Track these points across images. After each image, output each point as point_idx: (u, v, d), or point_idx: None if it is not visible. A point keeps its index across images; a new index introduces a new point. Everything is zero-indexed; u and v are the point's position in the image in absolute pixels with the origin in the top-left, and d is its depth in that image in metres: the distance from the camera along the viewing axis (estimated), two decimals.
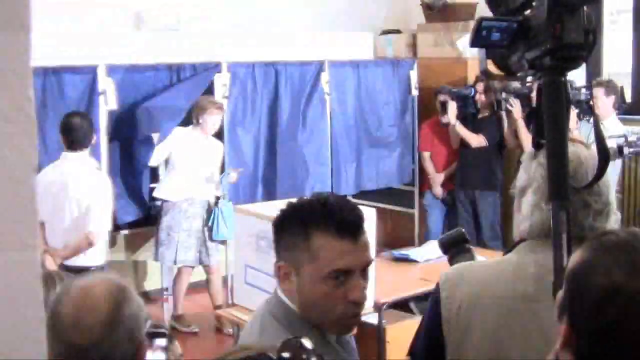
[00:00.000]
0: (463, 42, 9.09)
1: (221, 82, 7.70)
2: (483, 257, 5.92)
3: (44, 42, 7.40)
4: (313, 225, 2.18)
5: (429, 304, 2.38)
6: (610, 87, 7.50)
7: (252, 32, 8.83)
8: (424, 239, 8.94)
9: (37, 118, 0.95)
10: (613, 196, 2.24)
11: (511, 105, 7.63)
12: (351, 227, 2.19)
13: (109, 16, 8.02)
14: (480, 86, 8.24)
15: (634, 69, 8.73)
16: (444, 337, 2.29)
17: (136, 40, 8.04)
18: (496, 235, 8.31)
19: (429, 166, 8.96)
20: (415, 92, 9.28)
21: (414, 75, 9.24)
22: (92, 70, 6.93)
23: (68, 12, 7.67)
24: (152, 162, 7.27)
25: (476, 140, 8.15)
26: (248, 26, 8.90)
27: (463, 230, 2.67)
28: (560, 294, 1.61)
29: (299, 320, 2.22)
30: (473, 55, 9.07)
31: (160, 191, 7.25)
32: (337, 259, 2.16)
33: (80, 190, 5.71)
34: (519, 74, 1.97)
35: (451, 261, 2.57)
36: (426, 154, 9.01)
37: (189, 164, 7.18)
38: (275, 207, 5.07)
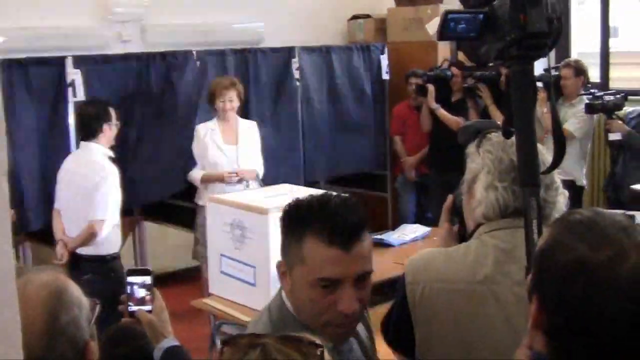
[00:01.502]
0: (432, 26, 9.11)
1: (192, 71, 7.66)
2: None
3: (10, 34, 7.37)
4: (307, 227, 2.10)
5: (397, 287, 2.42)
6: (578, 67, 7.56)
7: (221, 20, 8.82)
8: (397, 222, 8.99)
9: (4, 111, 0.94)
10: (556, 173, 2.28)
11: (480, 91, 7.67)
12: (344, 234, 2.07)
13: (76, 7, 7.96)
14: (455, 69, 8.25)
15: (602, 49, 8.79)
16: (412, 319, 2.34)
17: (104, 31, 8.01)
18: None
19: (401, 150, 8.99)
20: (386, 77, 9.30)
21: (384, 59, 9.25)
22: (59, 62, 6.88)
23: (34, 4, 7.62)
24: (193, 175, 7.05)
25: (457, 124, 8.16)
26: (216, 14, 8.88)
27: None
28: (530, 276, 1.65)
29: (294, 322, 2.16)
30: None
31: (199, 199, 7.03)
32: (325, 267, 2.08)
33: (86, 179, 5.75)
34: (489, 65, 2.00)
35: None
36: (397, 138, 9.03)
37: (219, 163, 6.96)
38: (248, 195, 5.13)
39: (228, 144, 6.95)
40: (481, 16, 1.90)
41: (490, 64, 2.02)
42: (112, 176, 5.78)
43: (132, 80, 7.40)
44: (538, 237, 1.70)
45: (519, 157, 1.86)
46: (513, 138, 2.06)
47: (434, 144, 8.56)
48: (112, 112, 6.02)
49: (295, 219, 2.15)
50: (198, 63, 7.68)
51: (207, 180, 6.81)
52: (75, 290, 2.01)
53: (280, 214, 4.40)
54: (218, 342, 4.90)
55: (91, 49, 7.65)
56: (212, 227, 5.05)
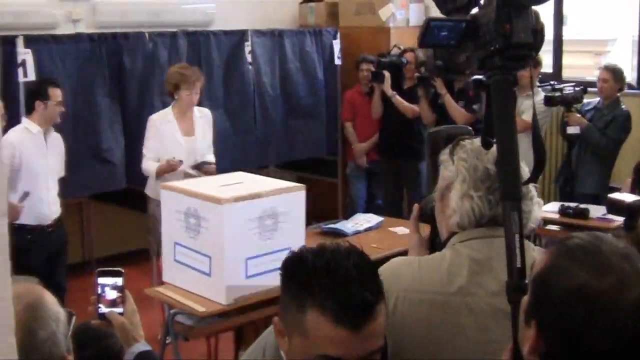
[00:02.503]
0: (385, 11, 9.10)
1: (144, 53, 7.57)
2: (407, 230, 6.01)
3: None
4: (310, 296, 1.81)
5: None
6: (537, 59, 7.54)
7: (174, 1, 8.72)
8: (347, 208, 9.00)
9: None
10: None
11: (434, 81, 7.67)
12: (355, 315, 1.79)
13: None
14: (410, 56, 8.23)
15: (555, 37, 8.84)
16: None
17: (54, 10, 7.87)
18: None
19: (352, 136, 8.97)
20: (338, 62, 9.27)
21: (337, 44, 9.23)
22: (10, 41, 6.75)
23: None
24: (149, 167, 6.67)
25: (412, 111, 8.16)
26: None
27: None
28: (526, 298, 1.63)
29: None
30: (395, 25, 9.11)
31: (149, 190, 6.83)
32: (330, 346, 1.80)
33: None
34: (466, 72, 1.97)
35: None
36: (348, 124, 9.02)
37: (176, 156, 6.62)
38: (203, 183, 5.07)
39: (186, 136, 6.70)
40: (463, 24, 1.88)
41: (468, 72, 1.99)
42: (6, 148, 5.75)
43: (83, 61, 7.29)
44: (520, 252, 1.68)
45: (501, 170, 1.83)
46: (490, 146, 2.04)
47: (384, 131, 8.56)
48: (53, 91, 6.09)
49: (297, 283, 1.87)
50: (150, 45, 7.59)
51: (162, 172, 6.56)
52: (51, 302, 1.92)
53: (235, 204, 4.42)
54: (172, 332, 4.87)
55: (41, 28, 7.52)
56: (166, 214, 4.98)
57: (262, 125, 8.61)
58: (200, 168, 6.56)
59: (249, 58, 8.40)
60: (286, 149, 8.96)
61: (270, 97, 8.69)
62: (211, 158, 6.81)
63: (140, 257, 7.90)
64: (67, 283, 6.54)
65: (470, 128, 2.49)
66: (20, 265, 5.34)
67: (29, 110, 6.11)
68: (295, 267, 1.88)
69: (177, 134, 6.65)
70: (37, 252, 6.07)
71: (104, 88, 7.42)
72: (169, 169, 6.45)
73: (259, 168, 8.25)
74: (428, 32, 1.88)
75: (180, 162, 6.46)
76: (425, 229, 2.62)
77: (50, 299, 1.92)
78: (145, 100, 7.60)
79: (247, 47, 8.38)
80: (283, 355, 1.98)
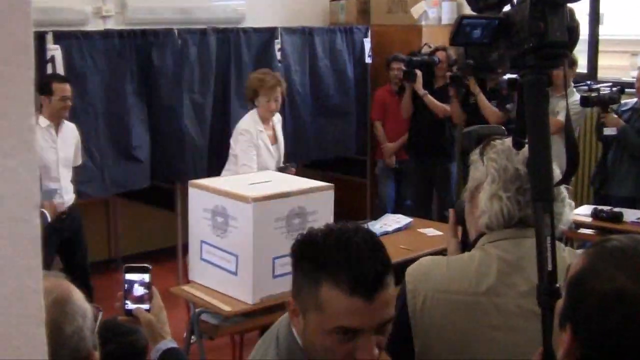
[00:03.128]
0: (417, 9, 9.09)
1: (173, 50, 7.60)
2: (438, 232, 5.99)
3: None
4: (324, 272, 1.90)
5: (399, 294, 2.39)
6: (572, 58, 7.44)
7: None
8: (376, 208, 8.99)
9: None
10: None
11: (467, 80, 7.64)
12: (368, 285, 1.87)
13: None
14: (442, 55, 8.21)
15: (590, 36, 8.75)
16: (411, 329, 2.31)
17: (84, 6, 7.93)
18: (451, 205, 8.29)
19: (381, 135, 8.95)
20: (368, 60, 9.27)
21: (367, 42, 9.22)
22: (39, 37, 6.80)
23: None
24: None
25: (443, 111, 8.14)
26: None
27: None
28: (560, 302, 1.61)
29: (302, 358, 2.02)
30: (427, 23, 9.09)
31: None
32: (346, 317, 1.89)
33: None
34: (499, 71, 1.96)
35: None
36: (378, 123, 9.00)
37: (269, 166, 6.60)
38: (231, 182, 5.09)
39: (272, 144, 6.71)
40: (496, 22, 1.87)
41: (500, 71, 1.97)
42: None
43: (113, 57, 7.33)
44: (552, 255, 1.67)
45: (532, 170, 1.81)
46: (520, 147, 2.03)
47: (414, 130, 8.54)
48: (57, 86, 6.24)
49: (310, 260, 1.95)
50: (179, 42, 7.61)
51: None
52: (79, 297, 1.92)
53: (263, 203, 4.43)
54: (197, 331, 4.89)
55: (71, 24, 7.56)
56: (193, 212, 5.00)
57: (291, 123, 8.60)
58: (283, 172, 6.47)
59: (278, 56, 8.41)
60: (315, 148, 8.96)
61: (299, 96, 8.70)
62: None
63: (166, 255, 7.94)
64: (93, 281, 6.60)
65: (503, 128, 2.47)
66: None
67: (39, 107, 6.25)
68: (307, 246, 1.96)
69: (268, 143, 6.62)
70: (52, 238, 6.24)
71: (132, 85, 7.46)
72: None
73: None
74: (460, 30, 1.87)
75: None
76: (459, 232, 2.61)
77: (77, 295, 1.93)
78: (173, 98, 7.62)
79: (277, 45, 8.39)
80: (297, 336, 2.03)
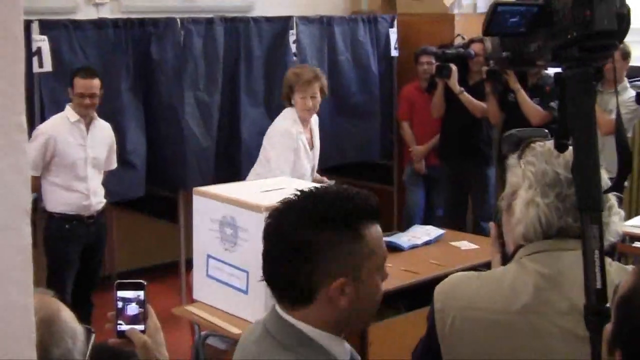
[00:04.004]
0: None
1: (174, 42, 7.63)
2: (473, 245, 5.98)
3: None
4: (358, 220, 2.18)
5: (429, 312, 2.40)
6: (625, 48, 7.40)
7: None
8: (404, 219, 8.98)
9: None
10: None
11: (507, 75, 7.61)
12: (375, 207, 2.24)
13: None
14: (478, 47, 8.19)
15: None
16: (441, 351, 2.32)
17: None
18: (489, 216, 8.25)
19: (409, 137, 8.96)
20: (394, 53, 9.28)
21: (393, 33, 9.23)
22: (23, 27, 6.82)
23: None
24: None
25: (482, 110, 8.11)
26: None
27: None
28: (609, 326, 1.61)
29: (310, 345, 2.19)
30: (460, 12, 9.08)
31: None
32: (383, 244, 2.24)
33: None
34: (538, 64, 1.96)
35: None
36: (405, 124, 9.00)
37: (305, 173, 6.62)
38: (241, 189, 5.10)
39: (310, 149, 6.66)
40: (535, 9, 1.87)
41: (539, 63, 1.97)
42: (39, 136, 6.35)
43: (106, 50, 7.36)
44: (601, 272, 1.66)
45: (578, 176, 1.82)
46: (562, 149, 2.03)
47: (446, 131, 8.54)
48: (77, 81, 6.42)
49: (339, 222, 2.16)
50: (182, 33, 7.64)
51: None
52: (68, 317, 1.94)
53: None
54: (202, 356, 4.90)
55: (59, 12, 7.60)
56: (198, 223, 5.02)
57: None
58: None
59: (293, 48, 8.42)
60: (334, 152, 8.93)
61: None
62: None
63: (167, 271, 7.97)
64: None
65: (546, 131, 2.47)
66: (56, 253, 5.64)
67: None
68: (324, 217, 2.16)
69: (307, 147, 6.58)
70: (74, 242, 6.47)
71: (128, 81, 7.48)
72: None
73: None
74: (495, 18, 1.87)
75: None
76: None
77: (67, 315, 1.94)
78: (174, 96, 7.64)
79: (292, 36, 8.40)
80: (297, 322, 2.20)
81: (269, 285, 2.24)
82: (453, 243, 6.17)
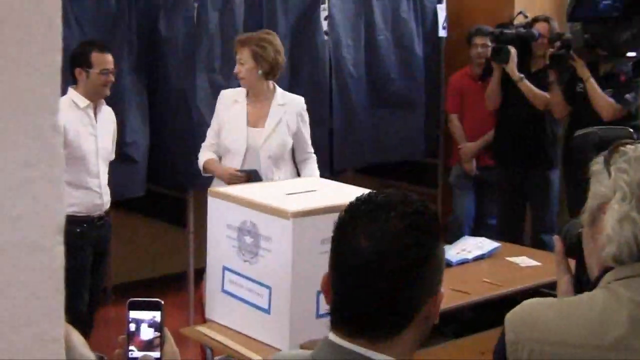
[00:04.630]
0: None
1: (187, 17, 7.65)
2: (534, 261, 5.98)
3: None
4: (438, 237, 2.21)
5: (497, 344, 2.40)
6: None
7: None
8: (450, 227, 8.96)
9: None
10: None
11: (574, 61, 7.53)
12: None
13: None
14: (543, 27, 8.13)
15: None
16: None
17: None
18: (552, 228, 8.25)
19: (459, 133, 8.96)
20: (442, 33, 9.27)
21: (442, 10, 9.22)
22: None
23: None
24: (200, 159, 6.73)
25: (545, 101, 8.06)
26: None
27: None
28: None
29: None
30: None
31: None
32: None
33: None
34: (628, 55, 1.95)
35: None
36: (454, 117, 9.00)
37: (233, 150, 6.65)
38: (264, 190, 5.11)
39: (253, 126, 6.57)
40: None
41: (630, 55, 1.96)
42: None
43: (106, 25, 7.38)
44: None
45: None
46: None
47: (501, 127, 8.52)
48: (98, 57, 6.43)
49: (426, 236, 2.17)
50: (195, 5, 7.65)
51: (209, 171, 6.60)
52: (79, 343, 1.96)
53: (306, 219, 4.44)
54: None
55: None
56: (213, 229, 5.03)
57: (341, 116, 8.62)
58: (250, 180, 6.30)
59: (325, 26, 8.43)
60: (371, 149, 8.94)
61: (352, 79, 8.70)
62: (287, 167, 6.67)
63: (173, 285, 7.99)
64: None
65: (631, 130, 2.46)
66: (69, 264, 5.55)
67: (74, 79, 6.44)
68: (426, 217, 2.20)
69: (240, 120, 6.57)
70: (87, 248, 6.47)
71: (130, 60, 7.46)
72: (226, 179, 6.40)
73: (335, 173, 8.27)
74: (583, 1, 1.87)
75: (251, 175, 6.36)
76: (570, 265, 2.61)
77: (78, 340, 1.96)
78: (185, 79, 7.64)
79: (324, 12, 8.40)
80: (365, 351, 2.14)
81: (355, 318, 2.17)
82: (510, 258, 6.16)
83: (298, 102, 6.69)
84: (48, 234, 0.92)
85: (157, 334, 2.56)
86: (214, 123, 6.65)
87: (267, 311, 4.67)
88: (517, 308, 2.36)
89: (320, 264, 4.47)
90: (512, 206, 8.51)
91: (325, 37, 8.42)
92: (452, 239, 6.81)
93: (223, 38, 7.81)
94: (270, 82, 6.55)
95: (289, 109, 6.60)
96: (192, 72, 7.66)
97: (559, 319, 2.28)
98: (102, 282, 6.92)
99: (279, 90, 6.64)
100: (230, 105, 6.59)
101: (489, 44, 8.35)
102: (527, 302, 2.39)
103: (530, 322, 2.30)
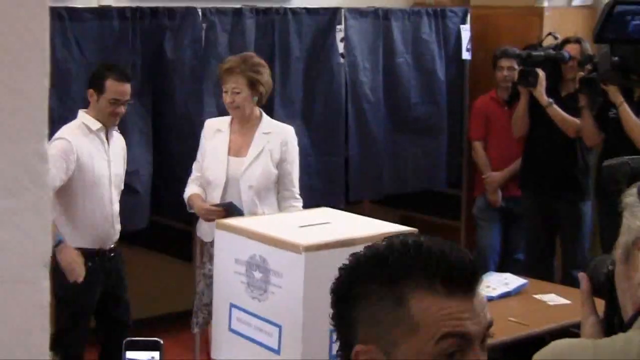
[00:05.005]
0: None
1: (194, 37, 7.66)
2: (563, 299, 5.97)
3: None
4: (407, 281, 2.01)
5: None
6: None
7: None
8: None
9: None
10: None
11: (606, 85, 7.49)
12: (466, 275, 2.02)
13: None
14: (574, 49, 8.13)
15: None
16: None
17: None
18: (584, 263, 8.18)
19: (483, 161, 8.95)
20: (466, 56, 9.28)
21: (465, 31, 9.23)
22: None
23: None
24: (186, 192, 6.86)
25: (576, 128, 8.03)
26: None
27: None
28: None
29: None
30: (551, 5, 9.07)
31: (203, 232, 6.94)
32: (449, 322, 1.98)
33: None
34: None
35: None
36: (478, 144, 8.99)
37: (213, 181, 6.71)
38: (274, 222, 5.11)
39: (234, 155, 6.61)
40: None
41: None
42: (58, 142, 6.24)
43: (109, 45, 7.40)
44: None
45: None
46: None
47: (529, 155, 8.51)
48: (112, 85, 6.43)
49: (382, 278, 2.04)
50: (204, 26, 7.67)
51: (191, 205, 6.69)
52: None
53: (319, 253, 4.44)
54: None
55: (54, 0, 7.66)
56: (220, 264, 5.04)
57: (357, 142, 8.62)
58: (228, 214, 6.21)
59: (341, 48, 8.44)
60: (390, 178, 8.94)
61: (369, 104, 8.71)
62: (269, 201, 6.61)
63: (178, 323, 7.97)
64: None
65: None
66: (74, 303, 5.47)
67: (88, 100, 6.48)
68: (367, 268, 2.08)
69: (221, 150, 6.59)
70: (98, 284, 6.42)
71: (134, 83, 7.44)
72: (201, 216, 6.56)
73: (350, 203, 8.26)
74: (613, 19, 1.87)
75: (227, 209, 6.35)
76: (599, 306, 2.59)
77: None
78: (192, 103, 7.66)
79: (340, 33, 8.42)
80: None
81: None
82: (538, 296, 6.15)
83: (286, 130, 6.70)
84: (33, 268, 0.92)
85: None
86: (198, 154, 6.72)
87: (277, 351, 4.67)
88: (547, 349, 2.35)
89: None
90: (540, 240, 8.48)
91: (341, 60, 8.43)
92: None
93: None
94: (257, 109, 6.59)
95: (274, 137, 6.57)
96: (199, 96, 7.68)
97: None
98: (127, 312, 6.84)
99: (265, 117, 6.67)
100: (213, 135, 6.66)
101: (516, 66, 8.36)
102: (557, 343, 2.37)
103: None
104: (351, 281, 2.09)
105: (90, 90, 6.42)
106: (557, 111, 8.06)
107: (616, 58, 2.03)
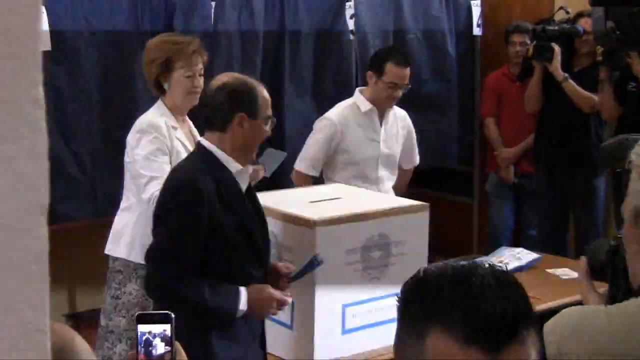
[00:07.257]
0: None
1: (204, 15, 7.65)
2: (576, 274, 5.95)
3: None
4: (431, 315, 1.83)
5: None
6: None
7: None
8: (486, 238, 8.94)
9: None
10: None
11: (630, 58, 7.40)
12: (491, 331, 1.78)
13: None
14: (587, 23, 8.06)
15: None
16: None
17: None
18: (598, 238, 8.13)
19: (495, 138, 8.94)
20: (477, 32, 9.26)
21: (476, 6, 9.21)
22: None
23: None
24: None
25: (591, 103, 7.98)
26: None
27: None
28: None
29: None
30: None
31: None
32: None
33: None
34: None
35: None
36: (490, 121, 8.98)
37: None
38: (285, 198, 5.08)
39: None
40: None
41: None
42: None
43: (118, 23, 7.36)
44: None
45: None
46: None
47: (542, 131, 8.49)
48: (390, 68, 6.87)
49: (416, 304, 1.89)
50: (212, 4, 7.65)
51: None
52: (83, 349, 1.97)
53: (331, 228, 4.42)
54: None
55: None
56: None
57: None
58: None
59: (351, 25, 8.41)
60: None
61: None
62: None
63: None
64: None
65: None
66: None
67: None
68: (416, 285, 1.90)
69: (188, 144, 5.92)
70: None
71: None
72: None
73: None
74: None
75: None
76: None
77: (82, 346, 1.97)
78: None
79: (349, 10, 8.39)
80: None
81: None
82: (550, 270, 6.14)
83: None
84: (31, 215, 0.91)
85: (168, 348, 2.56)
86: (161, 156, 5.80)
87: (290, 327, 4.66)
88: (557, 318, 2.32)
89: (346, 277, 4.50)
90: (554, 216, 8.44)
91: (351, 37, 8.41)
92: (489, 250, 6.80)
93: (242, 39, 7.80)
94: None
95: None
96: (209, 74, 7.65)
97: (606, 327, 2.25)
98: None
99: None
100: (173, 134, 5.88)
101: (528, 42, 8.33)
102: (567, 311, 2.35)
103: (574, 332, 2.27)
104: (404, 295, 1.92)
105: (369, 72, 6.82)
106: (572, 86, 8.01)
107: (610, 21, 2.01)
